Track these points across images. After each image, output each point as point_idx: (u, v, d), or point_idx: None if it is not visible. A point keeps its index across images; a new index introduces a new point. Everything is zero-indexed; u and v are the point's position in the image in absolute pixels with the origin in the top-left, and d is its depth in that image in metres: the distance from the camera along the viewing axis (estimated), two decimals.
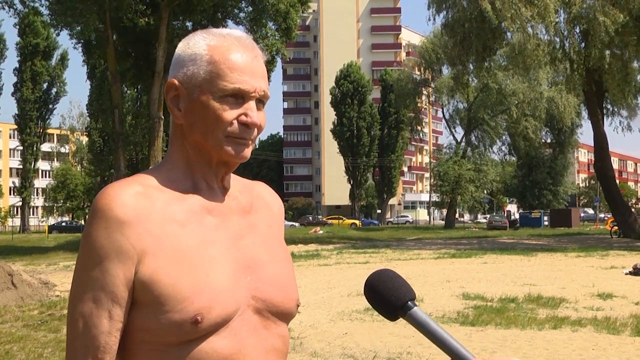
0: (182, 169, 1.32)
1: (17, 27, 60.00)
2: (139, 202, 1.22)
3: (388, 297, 1.22)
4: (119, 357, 1.25)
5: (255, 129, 1.30)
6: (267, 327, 1.29)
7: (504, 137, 65.01)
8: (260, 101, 1.31)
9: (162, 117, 28.17)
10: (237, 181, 1.41)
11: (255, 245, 1.33)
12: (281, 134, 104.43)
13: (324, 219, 73.15)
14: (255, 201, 1.40)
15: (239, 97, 1.27)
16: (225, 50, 1.28)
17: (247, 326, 1.25)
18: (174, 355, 1.20)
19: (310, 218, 74.58)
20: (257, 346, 1.26)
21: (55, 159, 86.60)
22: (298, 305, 1.37)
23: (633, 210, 39.25)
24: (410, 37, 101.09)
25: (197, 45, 1.30)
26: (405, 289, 1.23)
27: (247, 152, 1.30)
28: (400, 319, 1.23)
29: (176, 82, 1.30)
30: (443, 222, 66.04)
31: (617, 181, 39.74)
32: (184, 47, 1.32)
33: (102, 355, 1.20)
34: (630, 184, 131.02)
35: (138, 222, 1.20)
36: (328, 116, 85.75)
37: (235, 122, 1.27)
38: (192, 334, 1.19)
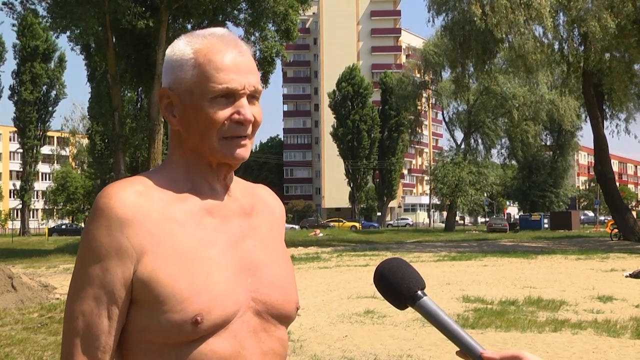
0: (182, 171, 1.32)
1: (16, 29, 59.82)
2: (139, 201, 1.23)
3: (398, 286, 1.21)
4: (118, 357, 1.25)
5: (251, 125, 1.29)
6: (267, 329, 1.29)
7: (503, 141, 65.11)
8: (253, 96, 1.30)
9: (163, 119, 28.17)
10: (239, 183, 1.41)
11: (256, 248, 1.33)
12: (281, 136, 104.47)
13: (326, 221, 73.02)
14: (257, 204, 1.40)
15: (229, 97, 1.27)
16: (209, 51, 1.27)
17: (246, 328, 1.25)
18: (173, 355, 1.20)
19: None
20: (256, 348, 1.26)
21: (55, 162, 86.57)
22: (298, 309, 1.37)
23: (633, 212, 39.22)
24: (410, 39, 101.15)
25: (181, 50, 1.30)
26: (416, 278, 1.22)
27: (244, 152, 1.30)
28: (409, 308, 1.23)
29: (167, 89, 1.31)
30: (443, 225, 66.05)
31: (617, 184, 39.66)
32: (170, 53, 1.32)
33: (102, 355, 1.20)
34: (631, 186, 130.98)
35: (138, 221, 1.21)
36: (328, 119, 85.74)
37: (227, 122, 1.27)
38: (192, 334, 1.19)
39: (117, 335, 1.22)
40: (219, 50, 1.27)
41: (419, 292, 1.20)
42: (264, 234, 1.37)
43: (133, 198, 1.22)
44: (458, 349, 1.18)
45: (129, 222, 1.20)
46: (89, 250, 1.21)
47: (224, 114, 1.26)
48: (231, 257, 1.28)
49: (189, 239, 1.24)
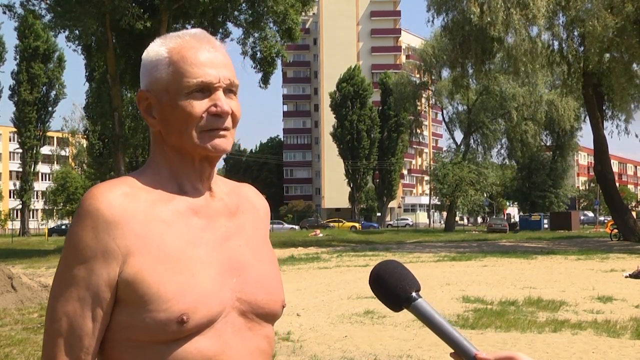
0: (166, 172, 1.33)
1: (17, 30, 59.83)
2: (125, 202, 1.24)
3: (393, 288, 1.23)
4: (104, 355, 1.26)
5: (230, 118, 1.30)
6: (252, 328, 1.30)
7: (503, 141, 65.12)
8: (230, 90, 1.31)
9: None
10: (223, 183, 1.42)
11: (242, 247, 1.35)
12: (281, 136, 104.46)
13: (325, 222, 72.98)
14: (242, 203, 1.41)
15: (205, 91, 1.28)
16: (182, 48, 1.30)
17: (231, 327, 1.27)
18: (158, 353, 1.21)
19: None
20: (242, 347, 1.28)
21: (55, 162, 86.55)
22: (283, 307, 1.38)
23: (633, 213, 39.19)
24: (410, 40, 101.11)
25: (156, 51, 1.33)
26: (411, 280, 1.23)
27: (225, 144, 1.30)
28: (405, 310, 1.24)
29: (145, 91, 1.33)
30: (443, 225, 66.03)
31: (617, 184, 39.65)
32: (145, 56, 1.34)
33: (85, 356, 1.21)
34: (630, 186, 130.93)
35: (124, 222, 1.22)
36: (328, 119, 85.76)
37: (205, 115, 1.28)
38: (177, 333, 1.20)
39: (100, 336, 1.23)
40: (192, 47, 1.30)
41: (414, 294, 1.22)
42: (249, 233, 1.38)
43: (120, 199, 1.23)
44: (452, 351, 1.19)
45: (116, 223, 1.21)
46: (75, 251, 1.22)
47: (200, 107, 1.28)
48: (217, 257, 1.29)
49: (176, 239, 1.26)
